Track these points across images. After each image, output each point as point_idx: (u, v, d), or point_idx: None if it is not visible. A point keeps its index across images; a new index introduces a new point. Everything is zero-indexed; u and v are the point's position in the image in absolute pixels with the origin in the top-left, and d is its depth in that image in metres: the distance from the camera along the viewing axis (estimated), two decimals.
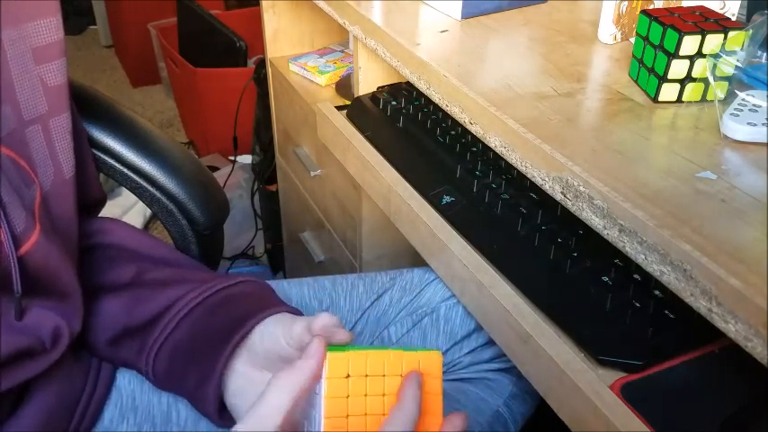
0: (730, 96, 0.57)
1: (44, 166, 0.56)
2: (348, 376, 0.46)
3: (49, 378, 0.56)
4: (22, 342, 0.53)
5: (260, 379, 0.55)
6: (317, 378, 0.46)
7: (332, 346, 0.48)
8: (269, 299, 0.60)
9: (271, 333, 0.54)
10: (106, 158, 0.76)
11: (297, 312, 0.58)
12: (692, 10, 0.61)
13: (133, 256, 0.65)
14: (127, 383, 0.65)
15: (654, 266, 0.47)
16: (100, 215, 0.72)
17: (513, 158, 0.60)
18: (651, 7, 0.68)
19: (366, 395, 0.47)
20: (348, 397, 0.46)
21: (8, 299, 0.52)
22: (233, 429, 0.44)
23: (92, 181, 0.68)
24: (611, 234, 0.50)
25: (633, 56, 0.65)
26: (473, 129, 0.65)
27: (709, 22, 0.59)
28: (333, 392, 0.46)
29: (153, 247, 0.67)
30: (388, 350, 0.48)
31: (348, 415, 0.46)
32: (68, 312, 0.57)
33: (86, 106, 0.73)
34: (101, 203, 0.71)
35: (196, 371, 0.56)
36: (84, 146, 0.66)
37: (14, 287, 0.51)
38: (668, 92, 0.61)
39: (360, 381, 0.47)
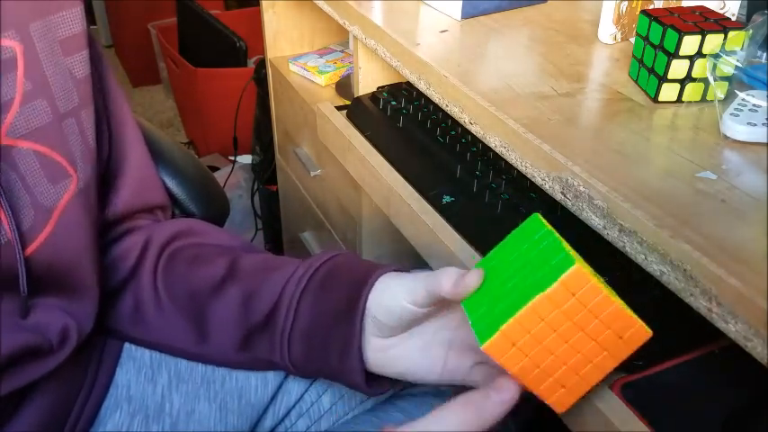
0: (730, 96, 0.57)
1: (83, 159, 0.55)
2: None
3: (48, 379, 0.56)
4: (29, 341, 0.52)
5: (389, 344, 0.53)
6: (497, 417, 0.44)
7: None
8: (366, 263, 0.58)
9: (386, 296, 0.52)
10: None
11: (401, 269, 0.56)
12: (691, 10, 0.61)
13: (219, 249, 0.64)
14: (124, 374, 0.64)
15: (654, 266, 0.47)
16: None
17: (513, 158, 0.60)
18: (651, 7, 0.68)
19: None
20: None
21: (13, 296, 0.52)
22: None
23: (152, 184, 0.67)
24: (611, 234, 0.50)
25: (633, 56, 0.65)
26: (473, 129, 0.65)
27: (709, 22, 0.59)
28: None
29: (232, 239, 0.67)
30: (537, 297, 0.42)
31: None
32: (79, 312, 0.57)
33: None
34: (162, 209, 0.69)
35: (334, 346, 0.54)
36: (138, 144, 0.65)
37: (21, 287, 0.51)
38: (668, 92, 0.61)
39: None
